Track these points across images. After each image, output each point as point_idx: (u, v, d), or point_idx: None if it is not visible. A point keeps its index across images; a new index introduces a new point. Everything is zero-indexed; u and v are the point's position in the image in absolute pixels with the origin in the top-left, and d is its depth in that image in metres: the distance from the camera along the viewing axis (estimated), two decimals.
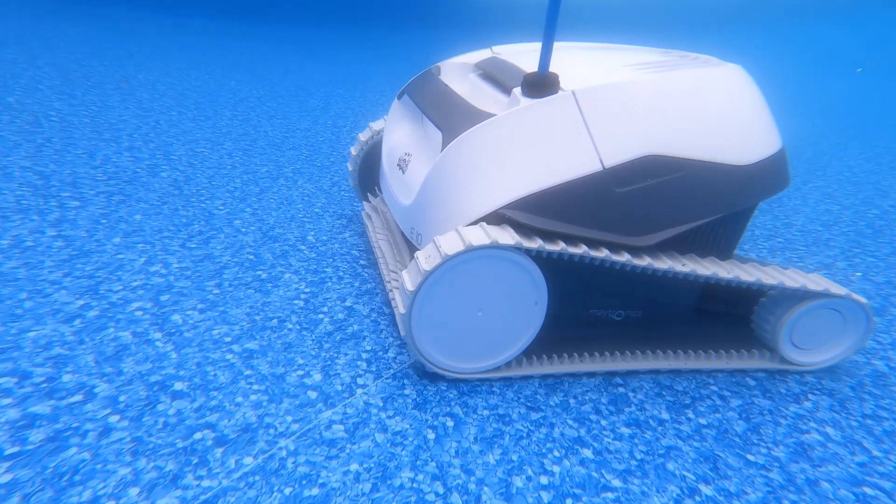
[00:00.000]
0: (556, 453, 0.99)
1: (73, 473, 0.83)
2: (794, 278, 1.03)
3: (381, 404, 1.04)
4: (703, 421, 1.12)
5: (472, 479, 0.91)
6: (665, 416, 1.13)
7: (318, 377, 1.08)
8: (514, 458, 0.97)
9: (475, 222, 0.85)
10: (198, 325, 1.19)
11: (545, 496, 0.90)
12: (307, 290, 1.37)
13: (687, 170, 0.86)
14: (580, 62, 1.00)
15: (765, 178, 0.95)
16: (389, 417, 1.01)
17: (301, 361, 1.12)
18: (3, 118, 2.16)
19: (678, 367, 1.14)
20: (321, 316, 1.28)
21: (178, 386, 1.01)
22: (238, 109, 2.78)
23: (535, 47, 1.16)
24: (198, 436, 0.90)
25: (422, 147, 1.00)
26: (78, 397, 0.96)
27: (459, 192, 0.85)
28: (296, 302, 1.32)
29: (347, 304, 1.34)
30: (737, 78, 1.00)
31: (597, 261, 0.87)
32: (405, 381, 1.10)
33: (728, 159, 0.89)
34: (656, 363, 1.12)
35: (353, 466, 0.90)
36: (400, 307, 0.86)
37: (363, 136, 1.54)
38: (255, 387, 1.03)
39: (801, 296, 1.05)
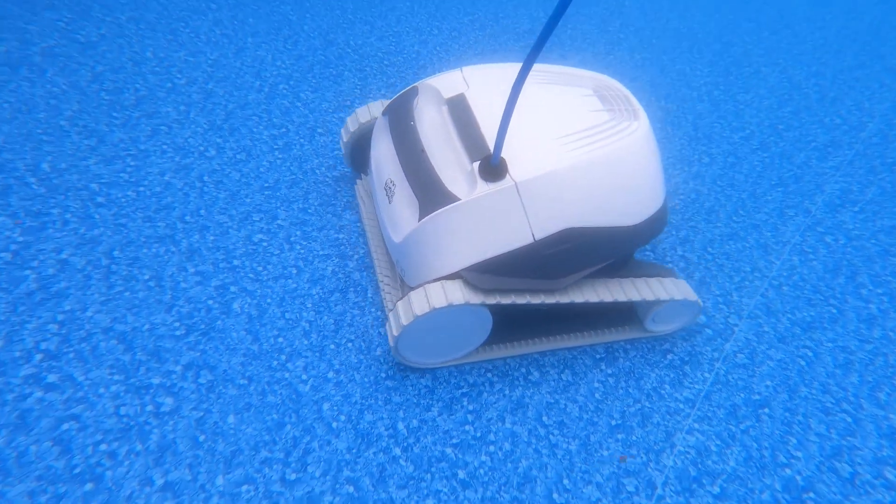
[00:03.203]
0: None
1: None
2: (668, 291, 1.34)
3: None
4: None
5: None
6: None
7: None
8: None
9: (449, 276, 1.22)
10: None
11: None
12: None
13: (592, 235, 1.21)
14: (521, 124, 1.24)
15: (647, 231, 1.30)
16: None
17: None
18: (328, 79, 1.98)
19: (588, 342, 1.44)
20: None
21: None
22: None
23: (504, 75, 1.33)
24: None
25: (403, 186, 1.32)
26: None
27: (433, 254, 1.22)
28: None
29: None
30: (639, 145, 1.26)
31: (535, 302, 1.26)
32: (704, 327, 1.50)
33: (622, 223, 1.23)
34: (577, 340, 1.43)
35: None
36: (393, 330, 1.22)
37: (351, 126, 1.58)
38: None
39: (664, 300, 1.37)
